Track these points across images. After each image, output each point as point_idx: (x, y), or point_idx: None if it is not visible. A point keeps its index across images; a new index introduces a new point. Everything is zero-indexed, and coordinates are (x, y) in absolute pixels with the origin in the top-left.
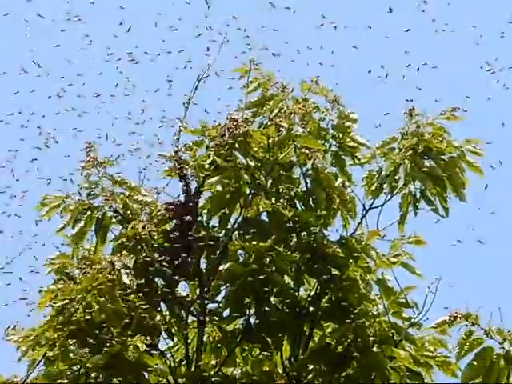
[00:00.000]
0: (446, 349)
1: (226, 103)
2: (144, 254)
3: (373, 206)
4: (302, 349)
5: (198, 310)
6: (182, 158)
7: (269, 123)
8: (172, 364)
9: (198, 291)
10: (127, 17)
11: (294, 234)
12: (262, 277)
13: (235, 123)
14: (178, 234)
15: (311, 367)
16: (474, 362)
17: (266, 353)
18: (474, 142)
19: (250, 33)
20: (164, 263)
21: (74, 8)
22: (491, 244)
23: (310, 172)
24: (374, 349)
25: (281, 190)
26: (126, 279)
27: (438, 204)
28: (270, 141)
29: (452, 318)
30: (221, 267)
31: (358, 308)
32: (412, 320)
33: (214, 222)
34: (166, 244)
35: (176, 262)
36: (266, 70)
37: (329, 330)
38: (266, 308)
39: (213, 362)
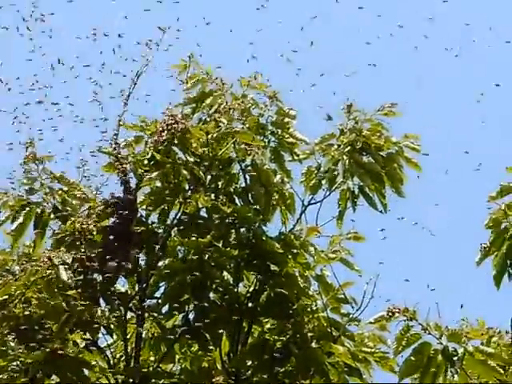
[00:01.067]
0: (385, 345)
1: (166, 99)
2: (83, 250)
3: (312, 202)
4: (240, 345)
5: (137, 306)
6: (121, 153)
7: (208, 119)
8: (111, 360)
9: (136, 287)
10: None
11: (233, 230)
12: (200, 273)
13: (174, 119)
14: (116, 229)
15: (250, 363)
16: (412, 358)
17: (205, 349)
18: (412, 138)
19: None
20: (103, 259)
21: None
22: (430, 239)
23: (249, 168)
24: (313, 345)
25: (220, 186)
26: (64, 275)
27: (376, 200)
28: (209, 137)
29: (390, 314)
30: (160, 263)
31: (296, 304)
32: (350, 316)
33: (153, 217)
34: (104, 240)
35: (115, 258)
36: (205, 66)
37: (268, 325)
38: (205, 304)
39: (152, 358)
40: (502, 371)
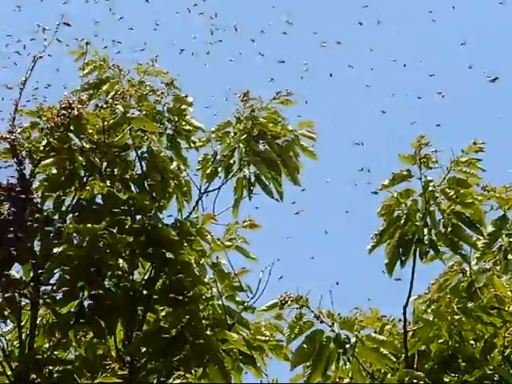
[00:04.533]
0: (281, 333)
1: (62, 85)
2: None
3: (208, 189)
4: (135, 332)
5: (32, 292)
6: (17, 139)
7: (104, 105)
8: (6, 348)
9: (31, 274)
10: None
11: (128, 217)
12: (96, 260)
13: (70, 105)
14: (11, 216)
15: (144, 350)
16: (304, 345)
17: (100, 336)
18: (307, 125)
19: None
20: None
21: None
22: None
23: (145, 155)
24: (208, 332)
25: (116, 173)
26: None
27: (272, 188)
28: (105, 123)
29: (283, 301)
30: (55, 250)
31: (192, 291)
32: (245, 304)
33: (49, 204)
34: None
35: (9, 245)
36: (101, 52)
37: (163, 313)
38: (100, 291)
39: (46, 346)
40: (394, 359)
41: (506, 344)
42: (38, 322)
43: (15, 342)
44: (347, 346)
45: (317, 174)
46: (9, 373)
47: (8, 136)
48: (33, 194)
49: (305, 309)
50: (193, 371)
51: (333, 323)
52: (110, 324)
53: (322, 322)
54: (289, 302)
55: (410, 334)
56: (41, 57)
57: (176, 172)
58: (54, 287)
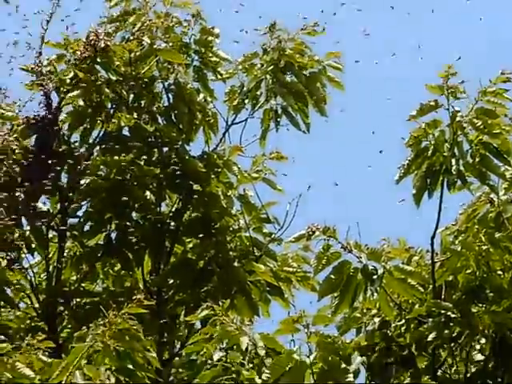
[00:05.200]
0: (308, 265)
1: (89, 17)
2: (4, 169)
3: (235, 121)
4: (163, 264)
5: (59, 224)
6: (44, 72)
7: (131, 38)
8: (34, 280)
9: (58, 206)
10: None
11: (155, 149)
12: (123, 192)
13: (97, 37)
14: (38, 148)
15: (172, 282)
16: (332, 276)
17: (127, 268)
18: (334, 56)
19: None
20: (24, 178)
21: None
22: (350, 159)
23: (172, 87)
24: (235, 264)
25: (143, 105)
26: None
27: (299, 119)
28: (132, 55)
29: (310, 232)
30: (82, 182)
31: (219, 223)
32: (273, 235)
33: (76, 136)
34: (26, 158)
35: (36, 177)
36: None
37: (190, 245)
38: (127, 223)
39: (74, 278)
40: (421, 289)
41: None
42: (65, 254)
43: (42, 275)
44: (374, 276)
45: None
46: (36, 305)
47: (35, 68)
48: (60, 126)
49: (332, 240)
50: (220, 302)
51: (360, 254)
52: (137, 256)
53: (349, 252)
54: (316, 233)
55: (438, 264)
56: None
57: (203, 104)
58: (82, 219)
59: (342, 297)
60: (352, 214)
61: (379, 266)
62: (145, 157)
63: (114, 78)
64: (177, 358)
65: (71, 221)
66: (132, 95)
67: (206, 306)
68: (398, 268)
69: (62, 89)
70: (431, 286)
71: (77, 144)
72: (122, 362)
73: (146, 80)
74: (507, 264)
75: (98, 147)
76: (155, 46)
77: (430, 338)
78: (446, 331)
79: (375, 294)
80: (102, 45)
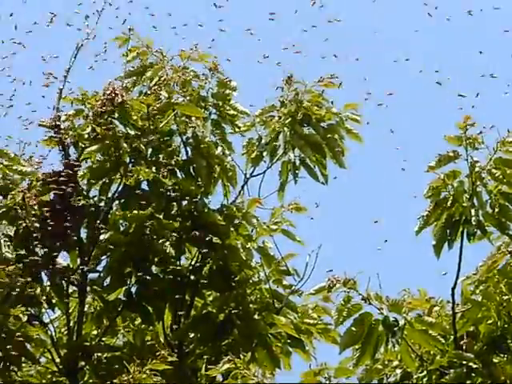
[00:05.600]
0: (329, 316)
1: (106, 72)
2: (24, 224)
3: (253, 174)
4: (183, 318)
5: (79, 279)
6: (62, 127)
7: (148, 92)
8: (54, 335)
9: (78, 261)
10: None
11: (174, 203)
12: (142, 246)
13: (115, 92)
14: (57, 203)
15: (193, 336)
16: (353, 328)
17: (147, 322)
18: (352, 107)
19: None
20: (44, 233)
21: None
22: (369, 210)
23: (190, 140)
24: (255, 316)
25: (161, 159)
26: (6, 249)
27: (317, 171)
28: (150, 109)
29: (331, 284)
30: (101, 237)
31: (239, 276)
32: (293, 287)
33: (95, 191)
34: (45, 214)
35: (56, 232)
36: (145, 38)
37: (210, 298)
38: (147, 277)
39: (94, 332)
40: (442, 340)
41: None
42: (85, 308)
43: (63, 329)
44: (396, 328)
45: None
46: (57, 360)
47: (53, 124)
48: (78, 181)
49: (353, 291)
50: (241, 355)
51: (381, 306)
52: (157, 310)
53: (370, 304)
54: (337, 285)
55: (459, 315)
56: (83, 45)
57: (221, 157)
58: (101, 274)
59: (363, 349)
60: (372, 265)
61: (400, 318)
62: (164, 211)
63: (132, 133)
64: None
65: (91, 275)
66: (150, 149)
67: (227, 359)
68: (419, 319)
69: (80, 144)
70: (452, 337)
71: (96, 199)
72: None
73: (164, 134)
74: None
75: (116, 201)
76: (173, 100)
77: None
78: (468, 382)
79: (396, 346)
80: (120, 99)
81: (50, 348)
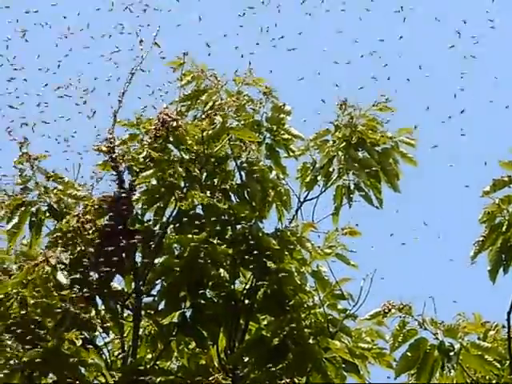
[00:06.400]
0: (383, 339)
1: (161, 96)
2: (79, 249)
3: (307, 198)
4: (238, 341)
5: (134, 303)
6: (117, 151)
7: (203, 116)
8: (108, 358)
9: (133, 285)
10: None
11: (229, 227)
12: (197, 270)
13: (169, 116)
14: (112, 228)
15: (247, 360)
16: (408, 353)
17: (202, 346)
18: (406, 132)
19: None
20: (99, 257)
21: None
22: (425, 234)
23: (244, 165)
24: (310, 341)
25: (215, 183)
26: (60, 276)
27: (372, 195)
28: (205, 134)
29: (386, 310)
30: (156, 260)
31: (293, 300)
32: (347, 312)
33: (149, 215)
34: (100, 238)
35: (111, 256)
36: (199, 62)
37: (264, 322)
38: (202, 301)
39: (149, 356)
40: (498, 365)
41: None
42: (140, 332)
43: (117, 353)
44: (451, 353)
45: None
46: None
47: (107, 149)
48: (133, 205)
49: (408, 317)
50: (296, 380)
51: (436, 331)
52: (212, 334)
53: (425, 329)
54: (392, 311)
55: None
56: (138, 68)
57: (275, 181)
58: (156, 298)
59: (418, 374)
60: (427, 290)
61: (456, 343)
62: (218, 235)
63: (186, 157)
64: None
65: (146, 299)
66: (205, 173)
67: (281, 383)
68: (475, 344)
69: (134, 168)
70: (508, 362)
71: (151, 223)
72: None
73: (218, 158)
74: None
75: (171, 226)
76: (227, 125)
77: None
78: None
79: (452, 371)
80: (175, 124)
81: (104, 372)
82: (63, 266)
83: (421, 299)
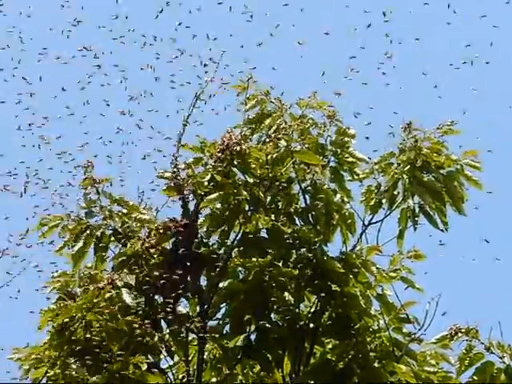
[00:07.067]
0: (448, 363)
1: (225, 120)
2: (143, 272)
3: (372, 221)
4: (302, 365)
5: (199, 327)
6: (181, 175)
7: (267, 140)
8: (173, 382)
9: (198, 308)
10: None
11: (293, 250)
12: (261, 293)
13: (234, 140)
14: (176, 251)
15: (312, 383)
16: (475, 377)
17: (267, 370)
18: (471, 154)
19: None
20: (164, 281)
21: None
22: (490, 258)
23: (308, 188)
24: (375, 364)
25: (280, 206)
26: (126, 297)
27: (437, 218)
28: (269, 157)
29: (452, 333)
30: (221, 284)
31: (358, 324)
32: (412, 335)
33: (214, 239)
34: (165, 262)
35: (176, 280)
36: (263, 86)
37: (329, 346)
38: (267, 324)
39: (214, 380)
40: None
41: None
42: (204, 356)
43: (182, 376)
44: None
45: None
46: None
47: (172, 174)
48: (198, 228)
49: (474, 340)
50: None
51: (503, 354)
52: (277, 357)
53: (492, 353)
54: (459, 334)
55: None
56: (202, 92)
57: (340, 204)
58: (221, 321)
59: None
60: (493, 313)
61: None
62: (283, 258)
63: (251, 180)
64: None
65: (211, 323)
66: (269, 197)
67: None
68: None
69: (199, 191)
70: None
71: (215, 246)
72: None
73: (282, 181)
74: None
75: (236, 249)
76: (291, 148)
77: None
78: None
79: None
80: (239, 148)
81: None
82: (128, 290)
83: (487, 323)
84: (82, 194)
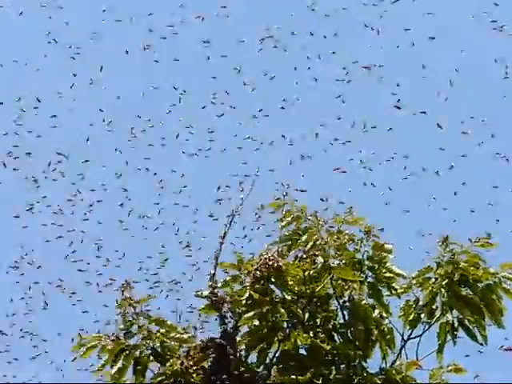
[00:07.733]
0: None
1: (261, 237)
2: None
3: (411, 336)
4: None
5: None
6: (219, 293)
7: (304, 256)
8: None
9: None
10: None
11: (333, 367)
12: None
13: (270, 257)
14: (216, 370)
15: None
16: None
17: None
18: (508, 267)
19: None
20: None
21: None
22: None
23: (347, 304)
24: None
25: (318, 323)
26: None
27: (476, 332)
28: (306, 274)
29: None
30: None
31: None
32: None
33: (253, 356)
34: (205, 381)
35: None
36: (298, 203)
37: None
38: None
39: None
40: None
41: None
42: None
43: None
44: None
45: None
46: None
47: (210, 293)
48: (237, 347)
49: None
50: None
51: None
52: None
53: None
54: None
55: None
56: (238, 211)
57: (378, 320)
58: None
59: None
60: None
61: None
62: (322, 375)
63: (288, 297)
64: None
65: None
66: (307, 313)
67: None
68: None
69: (237, 309)
70: None
71: (254, 364)
72: None
73: (320, 298)
74: None
75: (275, 367)
76: (329, 264)
77: None
78: None
79: None
80: (276, 264)
81: None
82: None
83: None
84: (120, 314)
